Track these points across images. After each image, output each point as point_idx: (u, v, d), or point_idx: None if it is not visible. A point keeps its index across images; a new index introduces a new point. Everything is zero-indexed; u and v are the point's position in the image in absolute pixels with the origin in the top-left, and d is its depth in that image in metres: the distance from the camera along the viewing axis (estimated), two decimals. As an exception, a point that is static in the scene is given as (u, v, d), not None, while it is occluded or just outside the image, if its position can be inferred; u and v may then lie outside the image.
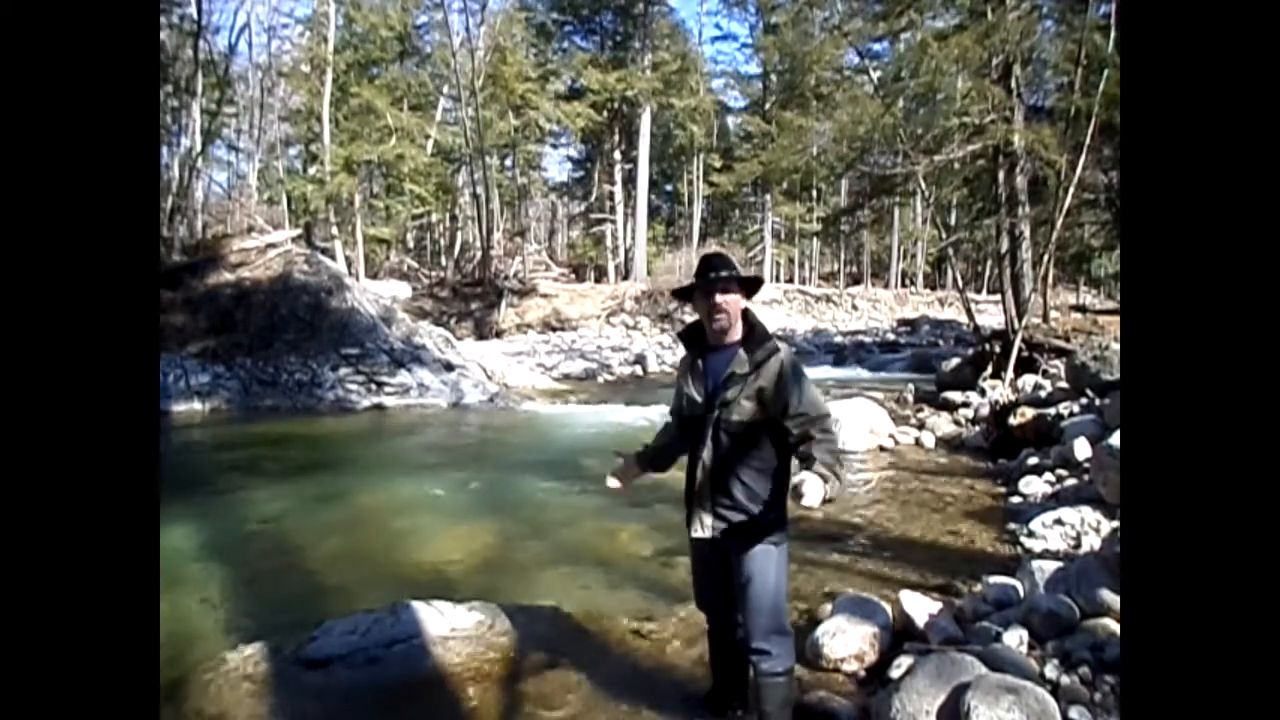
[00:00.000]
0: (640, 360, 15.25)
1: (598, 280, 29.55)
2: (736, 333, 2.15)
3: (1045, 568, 3.21)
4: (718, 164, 32.74)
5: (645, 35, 28.94)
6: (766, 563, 2.11)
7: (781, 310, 27.17)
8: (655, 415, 9.14)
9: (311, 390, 10.20)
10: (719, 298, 2.11)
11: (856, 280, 35.45)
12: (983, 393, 8.79)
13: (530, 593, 3.51)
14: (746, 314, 2.17)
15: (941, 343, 19.26)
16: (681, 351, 2.35)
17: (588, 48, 30.19)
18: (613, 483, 2.43)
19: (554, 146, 33.24)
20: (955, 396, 8.96)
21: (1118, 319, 9.16)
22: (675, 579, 3.77)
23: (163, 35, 15.36)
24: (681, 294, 2.30)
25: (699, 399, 2.17)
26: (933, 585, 3.52)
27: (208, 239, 15.19)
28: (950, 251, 14.42)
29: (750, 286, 2.19)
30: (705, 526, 2.16)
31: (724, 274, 2.11)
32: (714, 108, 33.09)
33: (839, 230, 28.00)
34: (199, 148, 18.68)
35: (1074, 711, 2.20)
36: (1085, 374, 6.50)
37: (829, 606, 3.07)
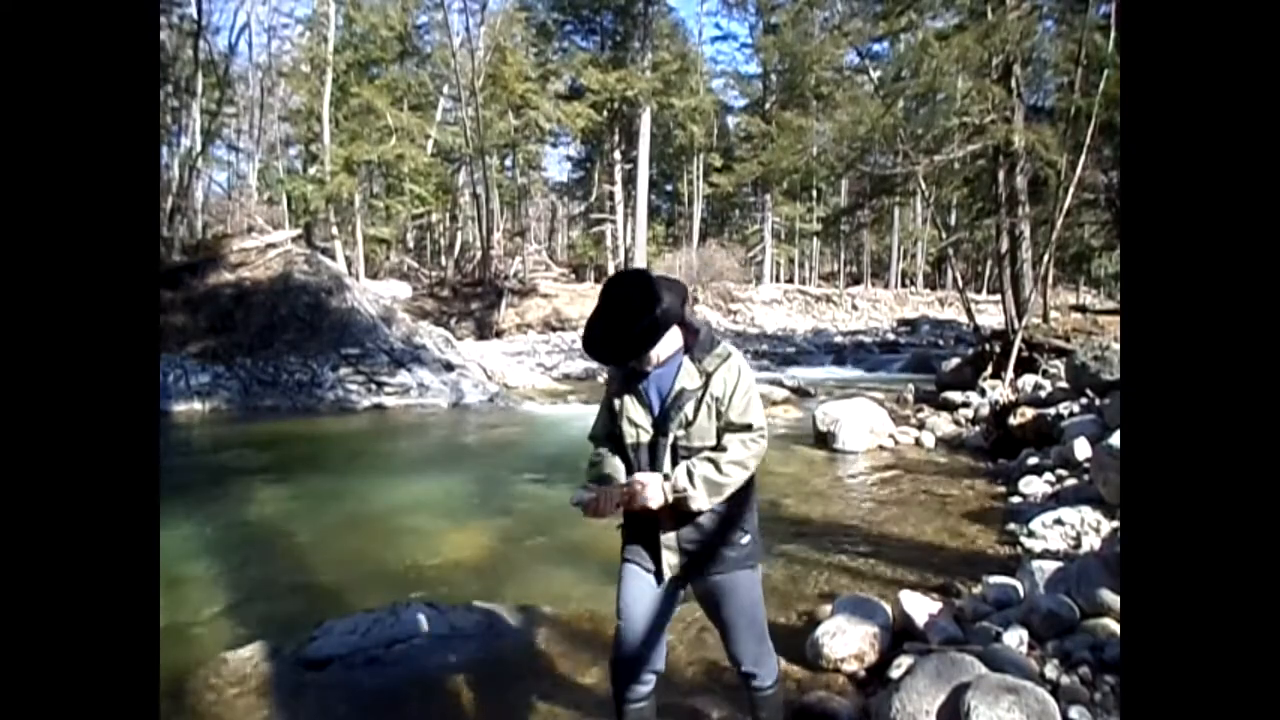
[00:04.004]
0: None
1: (598, 280, 29.54)
2: (671, 346, 1.84)
3: (1045, 568, 3.21)
4: (718, 164, 32.75)
5: (645, 35, 28.94)
6: (750, 587, 1.93)
7: (781, 310, 27.20)
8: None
9: (311, 390, 10.21)
10: (639, 363, 1.82)
11: (856, 280, 35.46)
12: (983, 393, 8.79)
13: (530, 593, 3.51)
14: (681, 320, 1.85)
15: (941, 343, 19.30)
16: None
17: (588, 48, 30.20)
18: (583, 495, 1.85)
19: (554, 146, 33.29)
20: (955, 396, 8.96)
21: (1118, 319, 9.17)
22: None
23: (163, 35, 15.36)
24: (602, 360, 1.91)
25: (644, 422, 1.86)
26: (933, 585, 3.52)
27: (208, 239, 15.20)
28: (950, 251, 14.45)
29: (666, 319, 1.77)
30: (673, 566, 1.88)
31: (625, 349, 1.78)
32: (714, 108, 33.11)
33: (839, 230, 28.05)
34: (199, 148, 18.70)
35: (1074, 711, 2.20)
36: (1085, 374, 6.50)
37: (829, 606, 3.07)
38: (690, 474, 1.78)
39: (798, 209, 33.56)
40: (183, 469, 6.39)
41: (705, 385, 1.81)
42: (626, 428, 1.90)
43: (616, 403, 1.93)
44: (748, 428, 1.82)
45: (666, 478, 1.79)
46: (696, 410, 1.80)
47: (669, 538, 1.87)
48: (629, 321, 1.75)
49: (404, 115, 25.56)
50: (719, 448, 1.81)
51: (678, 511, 1.83)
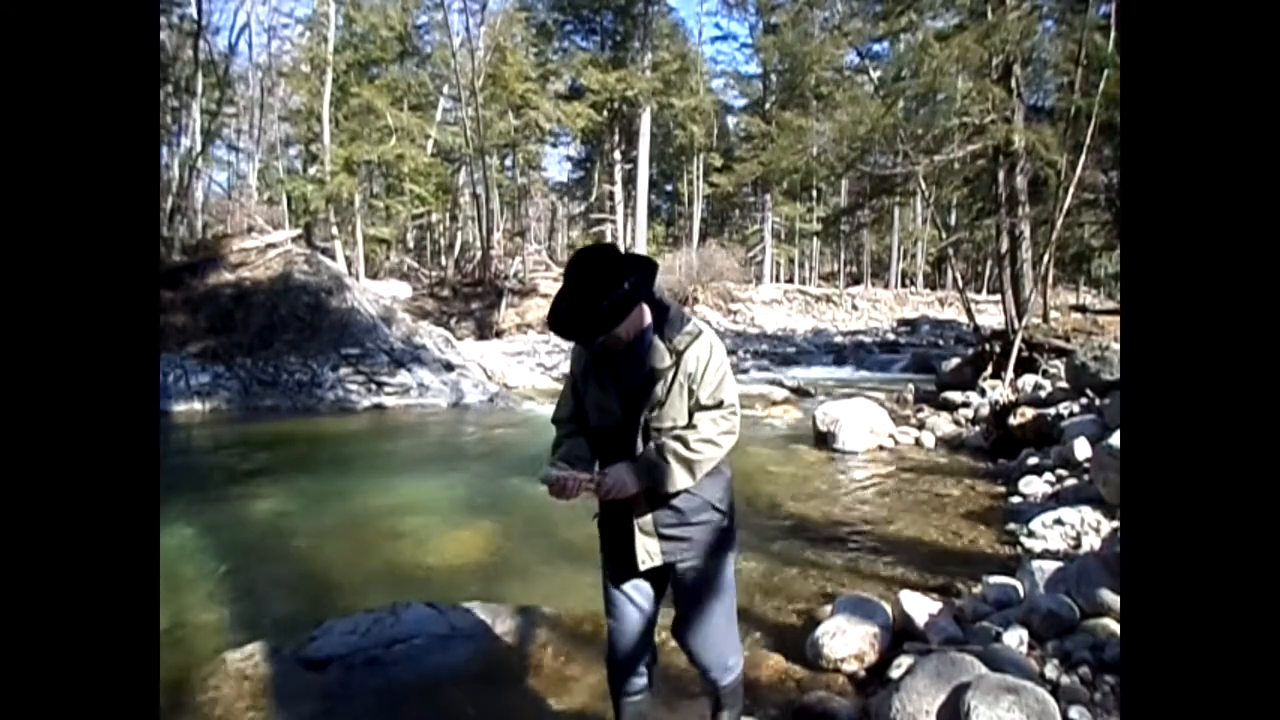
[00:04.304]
0: (640, 360, 15.21)
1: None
2: (638, 324, 1.77)
3: (1045, 568, 3.21)
4: (718, 164, 32.75)
5: (645, 35, 28.96)
6: (725, 571, 1.90)
7: (781, 310, 27.19)
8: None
9: (311, 390, 10.20)
10: (607, 341, 1.74)
11: (856, 280, 35.45)
12: (983, 393, 8.79)
13: (530, 593, 3.51)
14: (650, 297, 1.80)
15: (941, 343, 19.28)
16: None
17: (588, 48, 30.22)
18: (554, 472, 1.81)
19: (554, 146, 33.31)
20: (955, 396, 8.95)
21: (1118, 319, 9.17)
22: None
23: (163, 35, 15.36)
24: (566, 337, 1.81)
25: (613, 405, 1.79)
26: (933, 585, 3.52)
27: (208, 239, 15.20)
28: (950, 251, 14.45)
29: (635, 295, 1.72)
30: (654, 554, 1.82)
31: (592, 325, 1.69)
32: (714, 108, 33.13)
33: (839, 230, 28.05)
34: (199, 148, 18.69)
35: (1074, 711, 2.20)
36: (1085, 374, 6.50)
37: (829, 606, 3.07)
38: (661, 453, 1.74)
39: (798, 209, 33.55)
40: (183, 469, 6.39)
41: (676, 364, 1.74)
42: (593, 411, 1.84)
43: (582, 385, 1.87)
44: (719, 405, 1.77)
45: (636, 459, 1.76)
46: (668, 390, 1.74)
47: (644, 522, 1.81)
48: (596, 297, 1.66)
49: (404, 115, 25.56)
50: (690, 426, 1.76)
51: (652, 495, 1.78)
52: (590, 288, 1.68)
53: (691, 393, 1.76)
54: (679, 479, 1.74)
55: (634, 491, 1.75)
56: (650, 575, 1.89)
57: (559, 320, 1.73)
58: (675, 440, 1.74)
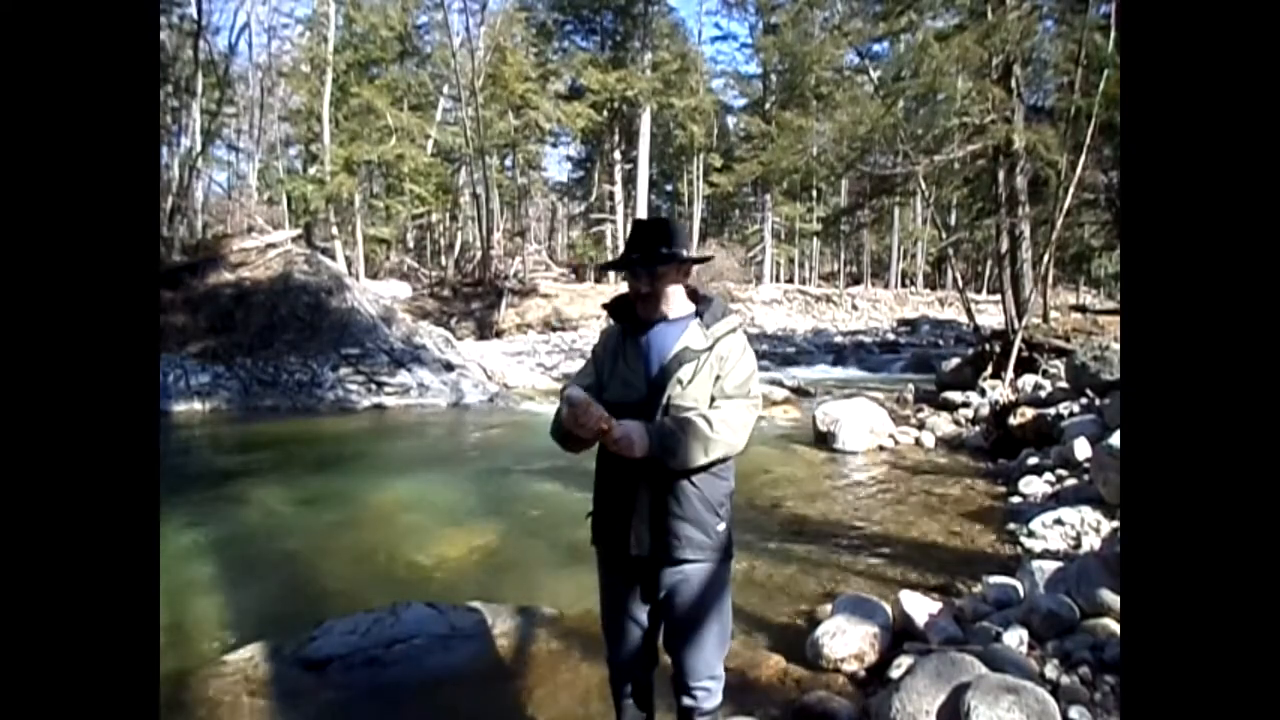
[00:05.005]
0: (640, 360, 15.21)
1: (598, 280, 29.60)
2: (680, 308, 1.85)
3: (1045, 568, 3.21)
4: (718, 164, 32.74)
5: (645, 35, 28.99)
6: (720, 581, 1.85)
7: (781, 310, 27.18)
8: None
9: (311, 390, 10.20)
10: (641, 284, 1.80)
11: (856, 280, 35.45)
12: (983, 393, 8.79)
13: (530, 593, 3.51)
14: (691, 289, 1.89)
15: (941, 343, 19.29)
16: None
17: (588, 48, 30.25)
18: (579, 393, 1.72)
19: (554, 146, 33.33)
20: (955, 396, 8.95)
21: (1118, 319, 9.17)
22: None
23: (163, 35, 15.36)
24: (611, 267, 2.24)
25: (639, 381, 1.79)
26: (933, 585, 3.52)
27: (208, 239, 15.20)
28: (950, 251, 14.44)
29: (691, 263, 1.87)
30: (643, 543, 1.78)
31: (656, 252, 1.78)
32: (714, 108, 33.13)
33: (839, 230, 28.03)
34: (199, 148, 18.69)
35: (1074, 711, 2.20)
36: (1085, 374, 6.50)
37: (829, 606, 3.07)
38: (679, 423, 1.71)
39: (798, 209, 33.54)
40: (183, 469, 6.39)
41: (711, 347, 1.78)
42: (615, 385, 1.82)
43: (609, 361, 1.86)
44: (746, 396, 1.80)
45: (652, 423, 1.72)
46: (697, 371, 1.76)
47: (640, 507, 1.78)
48: (668, 234, 1.83)
49: (404, 115, 25.59)
50: (712, 409, 1.77)
51: (652, 485, 1.76)
52: (665, 226, 1.86)
53: (718, 379, 1.77)
54: (691, 454, 1.70)
55: (639, 453, 1.68)
56: (646, 578, 1.86)
57: (625, 252, 1.86)
58: (697, 416, 1.72)
